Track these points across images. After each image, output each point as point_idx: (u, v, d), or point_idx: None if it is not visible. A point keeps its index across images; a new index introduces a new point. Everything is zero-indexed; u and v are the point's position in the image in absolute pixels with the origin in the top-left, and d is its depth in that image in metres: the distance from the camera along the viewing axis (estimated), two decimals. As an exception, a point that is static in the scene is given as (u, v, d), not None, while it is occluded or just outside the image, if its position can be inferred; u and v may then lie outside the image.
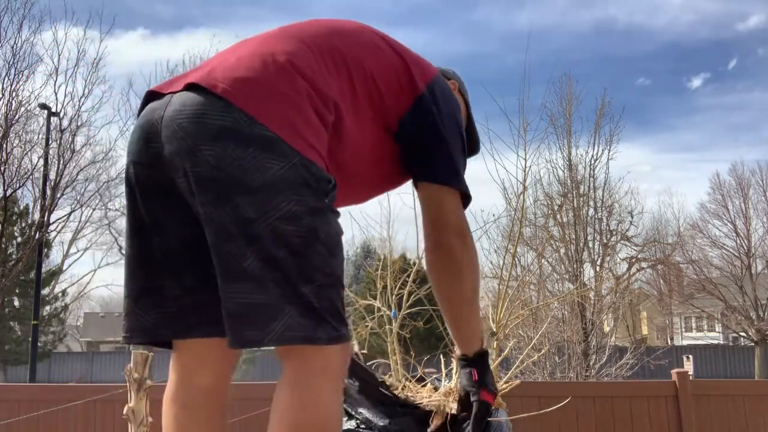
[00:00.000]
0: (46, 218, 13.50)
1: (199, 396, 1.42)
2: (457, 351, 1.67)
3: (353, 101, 1.40)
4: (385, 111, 1.45)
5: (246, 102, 1.25)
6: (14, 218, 19.05)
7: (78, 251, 28.36)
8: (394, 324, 3.70)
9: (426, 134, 1.48)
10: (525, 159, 7.81)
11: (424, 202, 1.54)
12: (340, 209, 1.36)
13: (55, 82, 13.03)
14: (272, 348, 1.28)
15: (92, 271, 46.18)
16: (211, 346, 1.41)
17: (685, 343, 32.03)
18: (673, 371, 5.35)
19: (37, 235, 13.89)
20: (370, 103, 1.43)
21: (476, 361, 1.64)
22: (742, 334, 25.34)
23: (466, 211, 1.57)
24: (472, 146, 1.74)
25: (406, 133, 1.48)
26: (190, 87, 1.28)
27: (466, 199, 1.55)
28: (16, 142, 12.83)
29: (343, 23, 1.51)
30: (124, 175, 1.39)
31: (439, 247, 1.55)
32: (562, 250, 14.75)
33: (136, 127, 1.35)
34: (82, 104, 13.42)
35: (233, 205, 1.20)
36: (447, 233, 1.53)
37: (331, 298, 1.25)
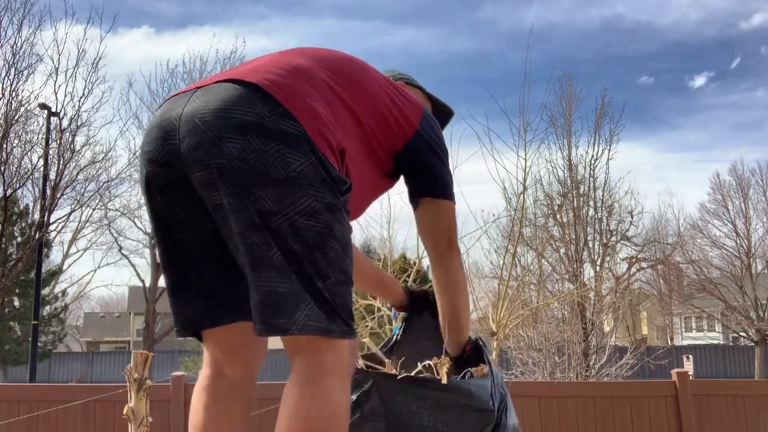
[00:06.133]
0: (46, 218, 13.48)
1: (229, 387, 1.48)
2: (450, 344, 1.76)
3: (357, 132, 1.47)
4: (383, 147, 1.55)
5: (277, 93, 1.29)
6: (14, 218, 19.05)
7: (78, 251, 28.24)
8: (394, 324, 3.71)
9: (423, 162, 1.64)
10: (525, 159, 7.86)
11: (425, 213, 1.71)
12: None
13: (55, 82, 12.98)
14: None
15: (92, 271, 46.41)
16: (239, 340, 1.47)
17: (685, 343, 32.03)
18: (673, 371, 5.35)
19: (37, 235, 13.87)
20: (369, 138, 1.51)
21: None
22: (742, 334, 25.32)
23: (465, 214, 1.73)
24: (445, 116, 1.99)
25: (405, 162, 1.62)
26: (218, 82, 1.32)
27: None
28: (16, 142, 12.83)
29: (351, 57, 1.60)
30: (139, 175, 1.42)
31: (444, 250, 1.73)
32: (562, 250, 14.76)
33: (151, 127, 1.37)
34: (82, 104, 13.39)
35: (256, 197, 1.24)
36: (451, 238, 1.72)
37: (343, 295, 1.30)
